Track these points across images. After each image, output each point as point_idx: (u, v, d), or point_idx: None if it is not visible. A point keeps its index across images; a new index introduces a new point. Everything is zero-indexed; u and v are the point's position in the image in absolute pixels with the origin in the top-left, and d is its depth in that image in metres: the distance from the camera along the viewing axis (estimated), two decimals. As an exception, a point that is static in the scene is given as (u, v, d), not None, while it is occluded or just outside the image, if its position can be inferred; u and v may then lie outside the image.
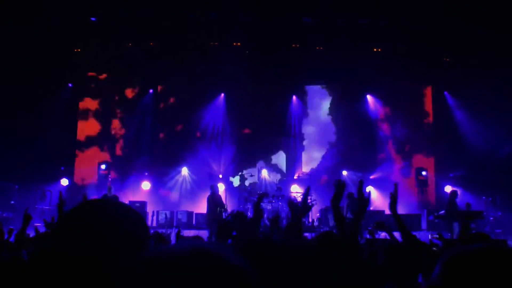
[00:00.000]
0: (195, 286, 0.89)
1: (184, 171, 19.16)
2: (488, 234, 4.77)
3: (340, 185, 3.54)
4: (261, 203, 15.87)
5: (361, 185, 3.75)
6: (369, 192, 3.88)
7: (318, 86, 18.50)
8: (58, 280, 1.29)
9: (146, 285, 0.91)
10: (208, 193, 15.10)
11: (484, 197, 15.46)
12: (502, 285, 1.21)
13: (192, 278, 0.90)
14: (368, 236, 8.74)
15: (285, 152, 19.70)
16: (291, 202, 3.56)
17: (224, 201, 15.04)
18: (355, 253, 2.65)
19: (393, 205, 3.81)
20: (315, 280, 1.55)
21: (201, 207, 16.58)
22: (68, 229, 1.38)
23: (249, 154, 18.85)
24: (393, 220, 3.84)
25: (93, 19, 16.34)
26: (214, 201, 14.41)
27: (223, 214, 14.44)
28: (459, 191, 15.50)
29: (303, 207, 3.71)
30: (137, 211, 1.49)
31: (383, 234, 13.17)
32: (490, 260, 1.24)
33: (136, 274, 0.94)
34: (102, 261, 1.26)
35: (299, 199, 16.39)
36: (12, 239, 5.92)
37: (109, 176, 18.37)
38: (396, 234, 4.60)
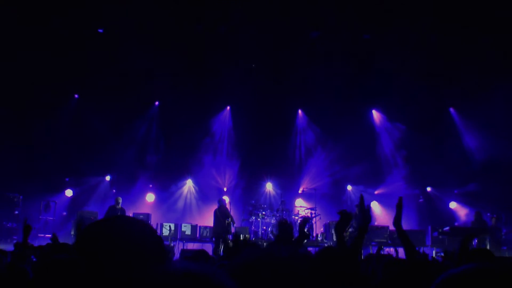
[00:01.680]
0: None
1: (189, 183, 19.16)
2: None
3: (346, 214, 3.47)
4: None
5: (362, 200, 3.64)
6: (369, 205, 3.69)
7: (323, 100, 18.45)
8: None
9: None
10: (213, 206, 15.04)
11: (489, 214, 15.33)
12: None
13: None
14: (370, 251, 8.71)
15: (290, 165, 19.65)
16: (282, 223, 3.53)
17: (229, 214, 14.99)
18: (356, 269, 2.64)
19: (397, 219, 3.64)
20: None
21: (206, 220, 16.53)
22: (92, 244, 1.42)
23: (254, 167, 18.82)
24: (398, 235, 3.68)
25: (100, 30, 16.49)
26: (221, 214, 14.40)
27: (231, 227, 14.42)
28: (459, 206, 15.48)
29: (300, 235, 3.67)
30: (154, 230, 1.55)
31: (392, 250, 13.11)
32: (481, 282, 1.22)
33: None
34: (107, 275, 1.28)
35: (302, 213, 16.33)
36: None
37: (113, 188, 18.42)
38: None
